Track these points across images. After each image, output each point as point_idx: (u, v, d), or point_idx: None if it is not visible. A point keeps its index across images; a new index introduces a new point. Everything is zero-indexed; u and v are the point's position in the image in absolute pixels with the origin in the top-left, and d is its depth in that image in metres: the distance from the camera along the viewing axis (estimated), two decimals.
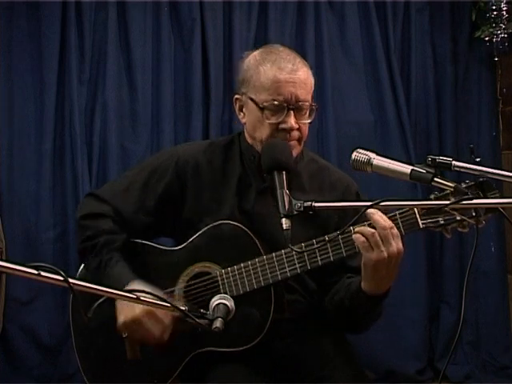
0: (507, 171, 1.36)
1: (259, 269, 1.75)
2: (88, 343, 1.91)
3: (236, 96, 1.89)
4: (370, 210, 1.57)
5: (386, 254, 1.59)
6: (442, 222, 1.59)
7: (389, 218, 1.62)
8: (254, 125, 1.82)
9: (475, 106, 3.67)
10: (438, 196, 1.55)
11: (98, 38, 3.26)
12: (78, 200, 3.16)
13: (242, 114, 1.88)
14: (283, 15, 3.44)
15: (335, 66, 3.50)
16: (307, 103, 1.79)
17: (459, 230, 1.58)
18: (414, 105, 3.61)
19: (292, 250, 1.65)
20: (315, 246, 1.70)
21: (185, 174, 1.89)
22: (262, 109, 1.77)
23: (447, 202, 1.36)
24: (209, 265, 1.81)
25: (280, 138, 1.77)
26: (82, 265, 1.97)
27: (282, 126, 1.77)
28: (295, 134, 1.79)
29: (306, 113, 1.80)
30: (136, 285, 1.73)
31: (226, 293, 1.73)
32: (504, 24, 3.37)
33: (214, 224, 1.82)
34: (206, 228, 1.83)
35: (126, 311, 1.71)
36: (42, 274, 1.12)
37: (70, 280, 1.15)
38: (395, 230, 1.60)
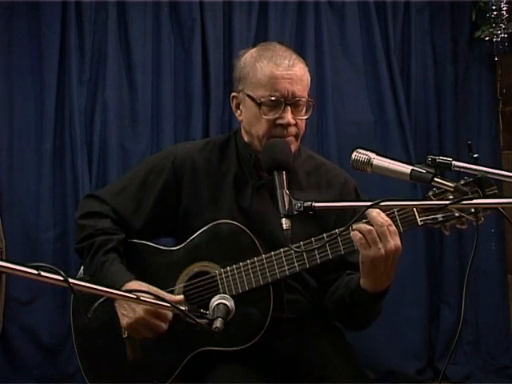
0: (507, 171, 1.36)
1: (258, 268, 1.75)
2: (88, 343, 1.91)
3: (233, 94, 1.89)
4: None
5: (383, 251, 1.59)
6: (441, 219, 1.59)
7: (387, 215, 1.62)
8: (250, 121, 1.82)
9: (475, 106, 3.67)
10: (436, 193, 1.55)
11: (98, 38, 3.26)
12: (78, 200, 3.16)
13: (238, 111, 1.88)
14: (283, 15, 3.44)
15: (335, 66, 3.51)
16: (304, 99, 1.80)
17: (458, 226, 1.58)
18: (414, 105, 3.61)
19: (292, 249, 1.66)
20: (314, 244, 1.70)
21: (182, 173, 1.89)
22: (259, 104, 1.78)
23: (447, 202, 1.36)
24: (208, 264, 1.81)
25: (279, 137, 1.77)
26: (81, 269, 1.97)
27: (279, 121, 1.77)
28: (292, 129, 1.79)
29: (302, 109, 1.81)
30: (132, 284, 1.74)
31: (225, 292, 1.73)
32: (504, 24, 3.37)
33: (213, 223, 1.82)
34: (205, 227, 1.83)
35: (128, 313, 1.72)
36: (42, 273, 1.12)
37: (70, 280, 1.15)
38: (393, 227, 1.60)
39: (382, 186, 3.04)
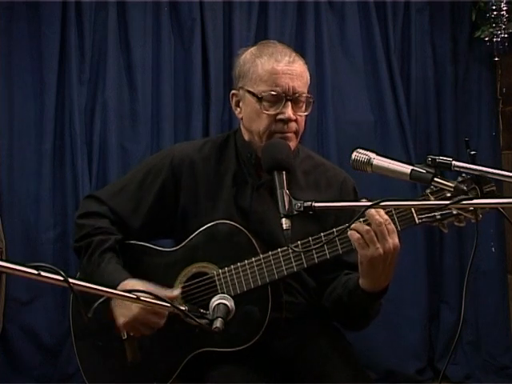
0: (507, 171, 1.36)
1: (256, 268, 1.75)
2: (88, 344, 1.91)
3: (233, 91, 1.89)
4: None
5: (381, 251, 1.59)
6: (439, 217, 1.59)
7: (385, 213, 1.62)
8: (251, 117, 1.83)
9: (475, 106, 3.67)
10: (434, 191, 1.55)
11: (98, 38, 3.26)
12: (78, 200, 3.16)
13: (238, 109, 1.88)
14: (283, 15, 3.44)
15: (335, 66, 3.50)
16: (304, 95, 1.81)
17: (456, 224, 1.58)
18: (414, 105, 3.61)
19: (291, 249, 1.66)
20: (311, 243, 1.70)
21: (180, 173, 1.89)
22: (259, 99, 1.78)
23: (447, 202, 1.36)
24: (206, 265, 1.81)
25: (276, 133, 1.78)
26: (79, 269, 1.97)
27: (280, 116, 1.78)
28: (292, 125, 1.80)
29: (302, 105, 1.82)
30: (128, 282, 1.75)
31: (223, 293, 1.72)
32: (504, 24, 3.37)
33: (211, 224, 1.82)
34: (202, 228, 1.83)
35: (125, 311, 1.72)
36: (42, 273, 1.12)
37: (70, 280, 1.15)
38: (391, 226, 1.60)
39: (382, 186, 3.04)
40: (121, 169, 3.23)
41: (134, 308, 1.70)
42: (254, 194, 1.86)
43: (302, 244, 1.71)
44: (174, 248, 1.88)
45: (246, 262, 1.76)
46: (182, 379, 1.84)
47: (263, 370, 1.79)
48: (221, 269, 1.79)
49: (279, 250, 1.74)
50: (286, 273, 1.74)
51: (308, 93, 1.83)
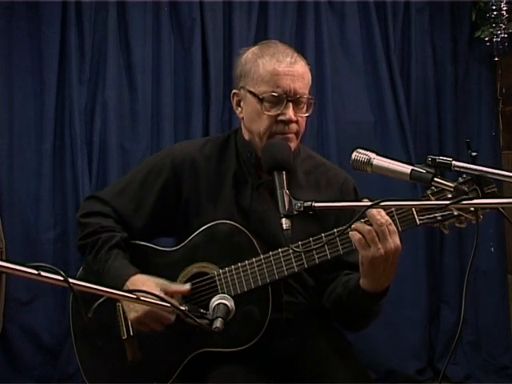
0: (507, 171, 1.36)
1: (256, 268, 1.75)
2: (88, 344, 1.91)
3: (234, 91, 1.89)
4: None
5: (382, 251, 1.58)
6: (440, 218, 1.59)
7: (386, 214, 1.62)
8: (252, 117, 1.82)
9: (475, 106, 3.67)
10: (434, 192, 1.55)
11: (98, 38, 3.26)
12: (78, 200, 3.16)
13: (239, 108, 1.88)
14: (283, 15, 3.44)
15: (335, 66, 3.50)
16: (305, 96, 1.80)
17: (457, 225, 1.58)
18: (414, 105, 3.61)
19: (291, 249, 1.65)
20: (312, 244, 1.70)
21: (181, 172, 1.89)
22: (261, 100, 1.78)
23: (447, 202, 1.36)
24: (206, 265, 1.81)
25: (277, 134, 1.78)
26: (81, 267, 1.97)
27: (281, 117, 1.77)
28: (293, 126, 1.79)
29: (303, 106, 1.81)
30: (136, 277, 1.75)
31: (223, 293, 1.72)
32: (504, 24, 3.37)
33: (211, 224, 1.82)
34: (202, 228, 1.83)
35: (135, 306, 1.72)
36: (42, 273, 1.12)
37: (70, 280, 1.15)
38: (392, 227, 1.59)
39: (382, 186, 3.04)
40: (121, 169, 3.23)
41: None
42: (254, 193, 1.86)
43: (302, 244, 1.71)
44: (175, 248, 1.88)
45: (246, 262, 1.76)
46: (182, 379, 1.84)
47: (263, 370, 1.79)
48: (221, 269, 1.79)
49: (280, 250, 1.74)
50: (286, 273, 1.74)
51: (309, 93, 1.83)
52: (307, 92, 1.82)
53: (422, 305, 3.55)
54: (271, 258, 1.74)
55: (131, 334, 1.79)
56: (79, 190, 3.17)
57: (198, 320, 1.34)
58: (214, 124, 3.32)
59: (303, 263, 1.72)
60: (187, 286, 1.76)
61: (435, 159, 1.41)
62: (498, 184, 1.41)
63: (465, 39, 3.64)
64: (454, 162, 1.39)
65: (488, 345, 3.60)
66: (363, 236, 1.59)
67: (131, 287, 1.73)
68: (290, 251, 1.72)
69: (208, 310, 1.37)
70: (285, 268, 1.74)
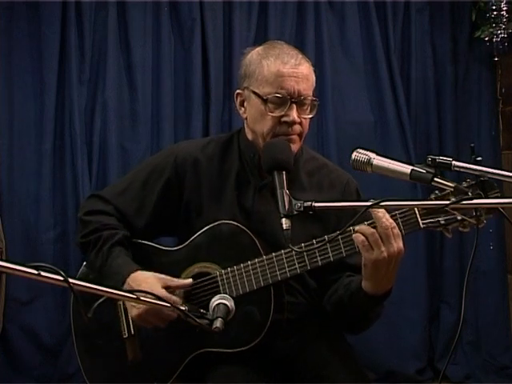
0: (507, 171, 1.36)
1: (259, 269, 1.75)
2: (89, 343, 1.91)
3: (237, 91, 1.89)
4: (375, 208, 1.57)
5: (386, 254, 1.58)
6: (443, 222, 1.58)
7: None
8: (255, 118, 1.82)
9: (475, 106, 3.67)
10: (438, 196, 1.54)
11: (98, 38, 3.26)
12: (78, 200, 3.16)
13: (243, 108, 1.88)
14: (283, 15, 3.44)
15: (335, 66, 3.51)
16: (309, 98, 1.80)
17: (460, 229, 1.58)
18: (414, 105, 3.61)
19: (292, 250, 1.65)
20: (315, 246, 1.69)
21: (184, 172, 1.89)
22: (265, 101, 1.77)
23: (447, 202, 1.36)
24: (209, 265, 1.81)
25: (280, 135, 1.77)
26: (83, 265, 1.97)
27: (285, 119, 1.77)
28: (297, 128, 1.79)
29: (307, 108, 1.81)
30: (137, 274, 1.75)
31: (225, 293, 1.72)
32: (504, 24, 3.37)
33: (214, 224, 1.82)
34: (205, 228, 1.83)
35: (135, 305, 1.72)
36: (42, 273, 1.12)
37: (70, 280, 1.15)
38: (396, 230, 1.59)
39: (382, 186, 3.04)
40: (121, 169, 3.23)
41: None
42: (256, 194, 1.86)
43: (305, 246, 1.71)
44: (177, 247, 1.88)
45: (248, 262, 1.76)
46: (183, 379, 1.83)
47: (264, 370, 1.79)
48: (223, 269, 1.79)
49: (282, 251, 1.73)
50: (288, 274, 1.73)
51: (313, 95, 1.82)
52: (311, 93, 1.82)
53: (422, 305, 3.55)
54: (274, 259, 1.74)
55: (132, 332, 1.79)
56: (79, 190, 3.17)
57: (198, 320, 1.33)
58: (214, 124, 3.32)
59: (306, 265, 1.72)
60: (189, 280, 1.77)
61: (435, 159, 1.41)
62: (497, 184, 1.41)
63: (465, 39, 3.64)
64: (453, 162, 1.39)
65: (488, 345, 3.60)
66: (367, 238, 1.59)
67: (132, 284, 1.73)
68: (293, 252, 1.71)
69: (209, 310, 1.37)
70: (287, 269, 1.73)
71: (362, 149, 1.51)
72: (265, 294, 1.75)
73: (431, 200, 1.55)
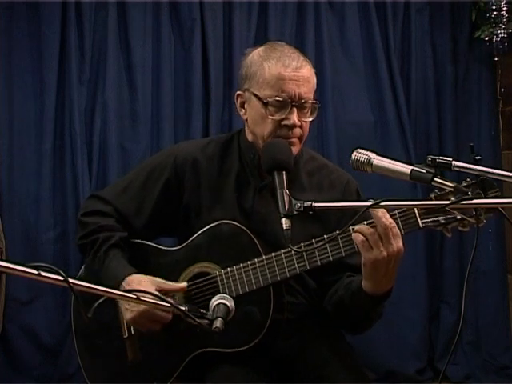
0: (507, 171, 1.36)
1: (258, 269, 1.75)
2: (89, 343, 1.91)
3: (238, 92, 1.88)
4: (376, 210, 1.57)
5: (385, 254, 1.57)
6: (443, 222, 1.58)
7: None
8: (256, 121, 1.82)
9: (475, 106, 3.67)
10: (438, 195, 1.54)
11: (98, 38, 3.26)
12: (78, 200, 3.16)
13: (243, 110, 1.87)
14: (283, 15, 3.44)
15: (335, 66, 3.51)
16: (310, 101, 1.80)
17: (460, 229, 1.57)
18: (414, 105, 3.61)
19: (292, 250, 1.65)
20: (314, 245, 1.69)
21: (183, 172, 1.89)
22: (265, 104, 1.77)
23: (447, 202, 1.36)
24: (208, 265, 1.81)
25: (280, 138, 1.77)
26: (83, 266, 1.97)
27: (285, 122, 1.77)
28: (297, 131, 1.79)
29: (308, 111, 1.81)
30: (133, 277, 1.75)
31: (225, 293, 1.72)
32: (504, 24, 3.38)
33: (214, 224, 1.82)
34: (205, 228, 1.83)
35: (132, 307, 1.72)
36: (42, 273, 1.12)
37: (70, 280, 1.15)
38: (396, 230, 1.58)
39: (382, 186, 3.04)
40: (121, 169, 3.23)
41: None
42: (256, 195, 1.86)
43: (305, 246, 1.71)
44: (177, 247, 1.88)
45: (248, 262, 1.76)
46: (183, 379, 1.83)
47: (264, 370, 1.79)
48: (223, 269, 1.79)
49: (282, 251, 1.73)
50: (288, 274, 1.73)
51: (314, 98, 1.82)
52: (312, 96, 1.81)
53: (422, 305, 3.55)
54: (273, 258, 1.74)
55: (132, 332, 1.79)
56: (79, 190, 3.17)
57: (197, 320, 1.33)
58: (213, 124, 3.32)
59: (305, 264, 1.72)
60: (183, 284, 1.77)
61: (435, 159, 1.41)
62: (497, 184, 1.41)
63: (465, 39, 3.64)
64: (453, 162, 1.39)
65: (488, 345, 3.60)
66: (366, 238, 1.59)
67: (127, 287, 1.73)
68: (292, 252, 1.71)
69: (209, 309, 1.37)
70: (287, 269, 1.73)
71: (362, 149, 1.51)
72: (264, 294, 1.75)
73: (431, 200, 1.55)
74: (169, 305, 1.34)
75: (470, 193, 1.40)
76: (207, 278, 1.81)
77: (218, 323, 1.32)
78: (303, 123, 1.80)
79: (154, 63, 3.32)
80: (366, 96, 3.56)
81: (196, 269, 1.83)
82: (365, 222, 1.61)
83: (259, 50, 1.86)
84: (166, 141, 3.27)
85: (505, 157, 3.65)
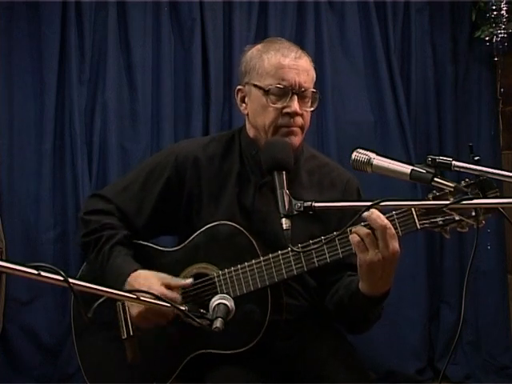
0: (507, 171, 1.36)
1: (256, 270, 1.74)
2: (89, 343, 1.91)
3: (238, 87, 1.89)
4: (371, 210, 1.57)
5: (380, 256, 1.56)
6: (441, 223, 1.57)
7: (386, 218, 1.61)
8: (257, 111, 1.82)
9: (475, 106, 3.67)
10: (436, 196, 1.54)
11: (98, 38, 3.26)
12: (78, 200, 3.16)
13: (244, 105, 1.88)
14: (283, 15, 3.45)
15: (335, 66, 3.51)
16: (310, 90, 1.81)
17: (458, 230, 1.57)
18: (414, 105, 3.61)
19: (292, 250, 1.65)
20: (312, 246, 1.69)
21: (184, 170, 1.89)
22: (266, 92, 1.78)
23: (447, 202, 1.36)
24: (206, 266, 1.81)
25: (285, 126, 1.78)
26: (84, 263, 1.97)
27: (286, 110, 1.78)
28: (298, 119, 1.79)
29: (308, 100, 1.82)
30: (139, 273, 1.76)
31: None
32: (504, 24, 3.38)
33: (212, 225, 1.82)
34: (203, 229, 1.83)
35: (135, 304, 1.72)
36: (42, 273, 1.12)
37: (70, 280, 1.15)
38: (392, 231, 1.57)
39: (382, 186, 3.04)
40: (121, 169, 3.23)
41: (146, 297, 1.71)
42: (256, 193, 1.86)
43: (302, 247, 1.70)
44: (175, 248, 1.88)
45: (246, 264, 1.75)
46: (182, 379, 1.84)
47: (263, 370, 1.79)
48: (221, 270, 1.79)
49: (279, 252, 1.73)
50: (286, 276, 1.73)
51: (314, 88, 1.83)
52: (312, 86, 1.82)
53: (422, 305, 3.55)
54: (271, 260, 1.73)
55: (131, 333, 1.79)
56: (79, 190, 3.17)
57: (198, 320, 1.33)
58: (214, 124, 3.32)
59: (302, 266, 1.71)
60: (189, 280, 1.77)
61: (435, 159, 1.41)
62: (497, 184, 1.41)
63: (465, 39, 3.64)
64: (453, 162, 1.40)
65: (488, 345, 3.60)
66: (362, 239, 1.58)
67: (134, 283, 1.74)
68: (290, 254, 1.71)
69: (208, 311, 1.37)
70: (284, 271, 1.73)
71: (362, 149, 1.51)
72: (262, 296, 1.75)
73: (429, 200, 1.54)
74: (168, 305, 1.34)
75: (469, 193, 1.39)
76: (205, 279, 1.81)
77: (217, 323, 1.32)
78: (304, 113, 1.81)
79: (154, 63, 3.32)
80: (366, 96, 3.56)
81: (194, 270, 1.83)
82: (362, 224, 1.60)
83: (258, 46, 1.88)
84: (166, 141, 3.27)
85: (505, 157, 3.65)
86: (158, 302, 1.34)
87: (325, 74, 3.43)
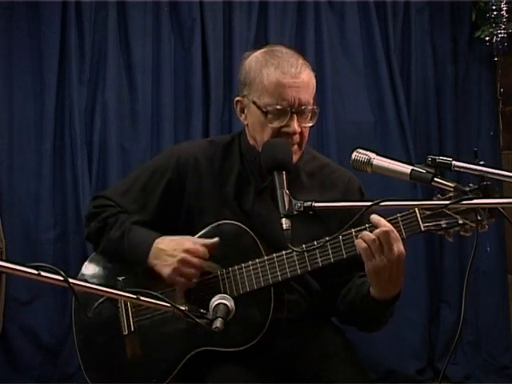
0: (507, 171, 1.36)
1: (259, 269, 1.75)
2: (89, 341, 1.91)
3: (237, 98, 1.88)
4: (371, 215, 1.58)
5: (386, 261, 1.57)
6: (444, 226, 1.57)
7: (390, 220, 1.60)
8: (255, 127, 1.82)
9: (475, 106, 3.67)
10: (440, 199, 1.54)
11: (98, 38, 3.26)
12: (78, 200, 3.17)
13: (243, 115, 1.87)
14: (283, 15, 3.44)
15: (335, 66, 3.51)
16: (310, 107, 1.79)
17: (462, 233, 1.57)
18: (414, 105, 3.61)
19: (292, 250, 1.65)
20: (315, 246, 1.69)
21: (185, 172, 1.89)
22: (265, 113, 1.77)
23: (447, 202, 1.36)
24: (210, 264, 1.81)
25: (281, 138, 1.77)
26: (90, 258, 1.97)
27: (285, 129, 1.76)
28: (296, 138, 1.79)
29: (308, 116, 1.80)
30: (162, 239, 1.81)
31: (225, 293, 1.72)
32: (504, 24, 3.38)
33: (216, 223, 1.82)
34: (208, 227, 1.83)
35: (168, 260, 1.76)
36: (42, 273, 1.12)
37: (70, 280, 1.15)
38: (395, 233, 1.58)
39: (382, 186, 3.04)
40: (121, 169, 3.24)
41: (177, 252, 1.75)
42: (256, 197, 1.86)
43: (306, 247, 1.71)
44: None
45: (249, 262, 1.76)
46: (183, 378, 1.84)
47: (263, 369, 1.79)
48: (224, 269, 1.79)
49: (283, 252, 1.74)
50: (289, 275, 1.74)
51: (314, 102, 1.81)
52: (312, 101, 1.80)
53: (422, 305, 3.55)
54: (275, 259, 1.74)
55: (132, 329, 1.80)
56: (79, 190, 3.17)
57: (198, 320, 1.34)
58: (214, 124, 3.32)
59: (306, 266, 1.72)
60: (215, 239, 1.78)
61: (435, 159, 1.41)
62: (498, 184, 1.41)
63: (465, 39, 3.64)
64: (453, 162, 1.40)
65: (488, 345, 3.60)
66: (368, 246, 1.58)
67: (160, 246, 1.79)
68: (294, 253, 1.71)
69: (208, 310, 1.37)
70: (288, 270, 1.73)
71: (362, 149, 1.51)
72: (265, 294, 1.75)
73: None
74: (168, 305, 1.34)
75: (469, 193, 1.39)
76: (208, 277, 1.81)
77: (217, 323, 1.32)
78: (303, 129, 1.79)
79: (154, 63, 3.32)
80: (366, 96, 3.56)
81: None
82: (367, 227, 1.61)
83: (257, 55, 1.84)
84: (166, 141, 3.27)
85: (505, 157, 3.65)
86: (158, 302, 1.34)
87: (325, 74, 3.43)
